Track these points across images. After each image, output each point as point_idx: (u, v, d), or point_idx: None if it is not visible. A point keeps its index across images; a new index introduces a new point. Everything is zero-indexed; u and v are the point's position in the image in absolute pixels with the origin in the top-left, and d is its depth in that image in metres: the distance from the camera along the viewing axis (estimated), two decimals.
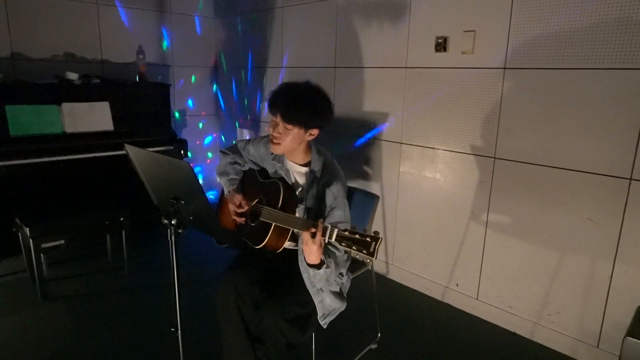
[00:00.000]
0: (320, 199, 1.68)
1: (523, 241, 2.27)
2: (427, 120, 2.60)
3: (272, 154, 1.79)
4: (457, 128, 2.46)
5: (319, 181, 1.69)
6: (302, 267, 1.62)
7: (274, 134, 1.66)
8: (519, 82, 2.18)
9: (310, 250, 1.47)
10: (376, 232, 1.34)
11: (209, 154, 4.48)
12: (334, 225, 1.41)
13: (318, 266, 1.52)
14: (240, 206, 1.73)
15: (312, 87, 1.67)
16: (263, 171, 1.89)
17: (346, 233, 1.38)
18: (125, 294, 2.68)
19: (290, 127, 1.62)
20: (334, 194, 1.66)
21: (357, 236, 1.35)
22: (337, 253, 1.61)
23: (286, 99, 1.62)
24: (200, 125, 4.36)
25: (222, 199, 2.02)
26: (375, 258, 1.35)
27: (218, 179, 1.92)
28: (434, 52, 2.48)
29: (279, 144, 1.66)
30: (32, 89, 2.96)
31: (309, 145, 1.75)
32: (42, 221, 2.52)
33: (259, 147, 1.88)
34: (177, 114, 4.11)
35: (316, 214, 1.67)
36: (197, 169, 4.40)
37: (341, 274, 1.69)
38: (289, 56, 3.48)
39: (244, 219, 1.75)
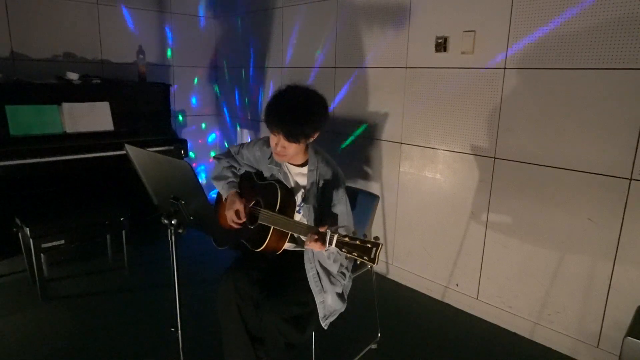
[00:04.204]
0: (322, 196, 1.69)
1: (523, 241, 2.27)
2: (427, 120, 2.60)
3: (269, 157, 1.80)
4: (457, 128, 2.46)
5: (319, 179, 1.71)
6: (307, 256, 1.64)
7: (278, 150, 1.65)
8: (519, 82, 2.18)
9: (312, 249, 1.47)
10: (376, 238, 1.33)
11: (212, 153, 4.48)
12: (333, 231, 1.39)
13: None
14: (238, 216, 1.73)
15: (306, 96, 1.63)
16: (259, 173, 1.89)
17: (346, 239, 1.36)
18: (126, 293, 2.68)
19: (294, 143, 1.63)
20: (336, 190, 1.68)
21: (357, 242, 1.34)
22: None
23: (285, 118, 1.57)
24: (201, 125, 4.36)
25: (220, 199, 2.01)
26: (376, 264, 1.34)
27: (214, 184, 1.89)
28: (434, 52, 2.48)
29: (285, 155, 1.67)
30: (32, 89, 2.96)
31: (306, 147, 1.76)
32: (42, 221, 2.52)
33: (253, 150, 1.88)
34: (178, 114, 4.11)
35: (320, 212, 1.68)
36: (199, 168, 4.40)
37: (343, 274, 1.70)
38: (289, 56, 3.48)
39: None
